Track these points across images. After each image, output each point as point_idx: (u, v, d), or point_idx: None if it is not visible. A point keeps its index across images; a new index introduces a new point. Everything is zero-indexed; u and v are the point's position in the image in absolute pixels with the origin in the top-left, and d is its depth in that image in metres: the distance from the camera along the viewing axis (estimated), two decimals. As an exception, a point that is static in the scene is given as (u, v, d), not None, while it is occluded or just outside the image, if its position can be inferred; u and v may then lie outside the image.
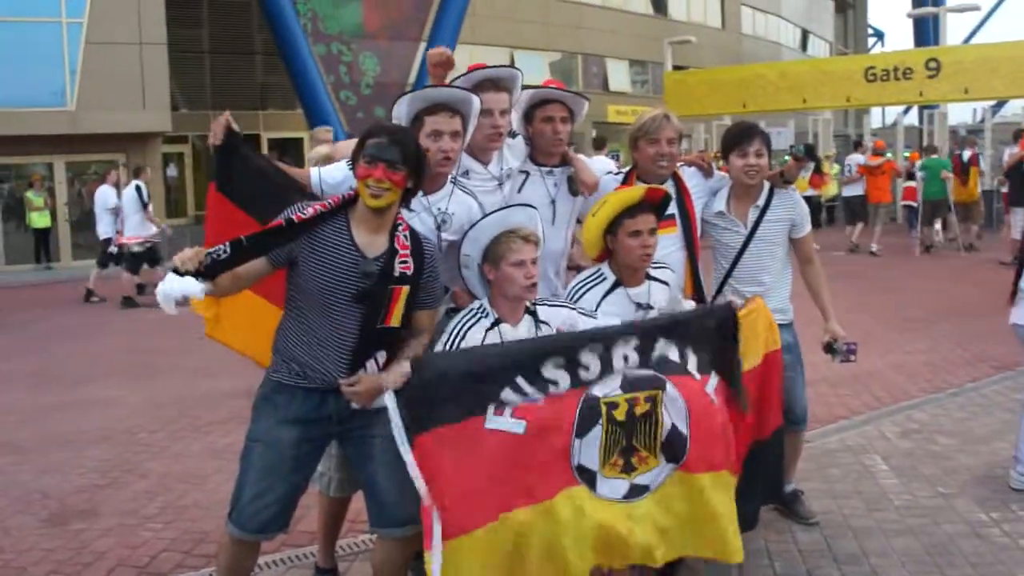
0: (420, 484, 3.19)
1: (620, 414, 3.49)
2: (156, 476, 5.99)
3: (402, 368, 3.26)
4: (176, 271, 3.13)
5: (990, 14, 57.90)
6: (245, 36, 28.59)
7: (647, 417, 3.54)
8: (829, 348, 4.72)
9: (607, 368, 3.51)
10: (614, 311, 3.98)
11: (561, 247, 4.45)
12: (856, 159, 19.23)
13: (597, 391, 3.48)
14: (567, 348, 3.49)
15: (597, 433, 3.46)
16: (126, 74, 20.56)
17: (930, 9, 35.51)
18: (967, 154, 18.70)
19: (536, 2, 35.05)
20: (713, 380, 3.79)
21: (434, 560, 3.17)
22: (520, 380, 3.36)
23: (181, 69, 24.93)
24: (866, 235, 18.63)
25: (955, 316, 11.14)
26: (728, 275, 4.70)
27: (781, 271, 4.78)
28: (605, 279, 4.08)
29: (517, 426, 3.33)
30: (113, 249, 14.67)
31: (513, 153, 4.40)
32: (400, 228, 3.49)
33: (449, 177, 4.01)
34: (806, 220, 4.80)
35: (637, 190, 4.05)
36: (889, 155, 19.91)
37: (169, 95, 21.93)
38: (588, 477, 3.48)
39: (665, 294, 4.15)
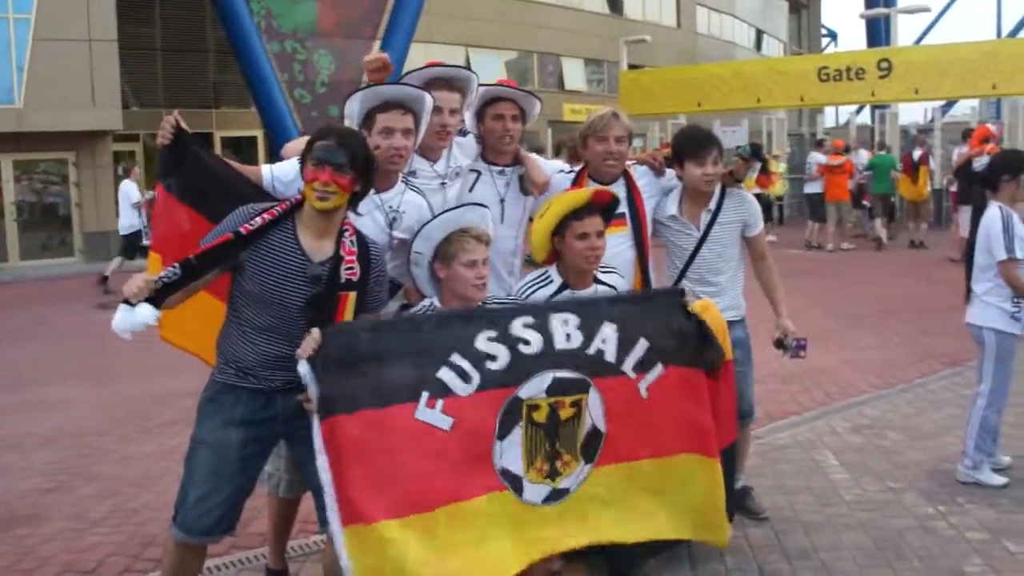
0: (322, 459, 3.14)
1: (540, 416, 3.48)
2: (105, 479, 5.90)
3: (313, 334, 3.21)
4: (127, 302, 3.10)
5: (940, 16, 58.84)
6: (198, 33, 28.27)
7: (571, 421, 3.54)
8: (780, 344, 4.76)
9: (548, 346, 3.47)
10: None
11: (512, 246, 4.46)
12: (817, 158, 19.38)
13: (523, 393, 3.45)
14: (499, 318, 3.46)
15: (517, 436, 3.45)
16: (75, 71, 20.24)
17: (882, 10, 35.98)
18: (917, 153, 18.98)
19: (492, 1, 35.01)
20: (653, 373, 3.73)
21: (336, 541, 3.16)
22: (455, 357, 3.34)
23: (132, 66, 24.59)
24: (824, 234, 18.95)
25: (905, 313, 11.30)
26: (682, 275, 4.73)
27: (735, 271, 4.82)
28: (552, 281, 4.07)
29: (444, 422, 3.31)
30: (146, 242, 14.65)
31: (463, 151, 4.39)
32: (347, 233, 3.47)
33: (401, 175, 4.01)
34: (758, 219, 4.84)
35: (583, 192, 4.05)
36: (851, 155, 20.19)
37: (120, 93, 21.65)
38: (513, 481, 3.47)
39: None
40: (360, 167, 3.35)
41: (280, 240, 3.36)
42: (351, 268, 3.43)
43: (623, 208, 4.51)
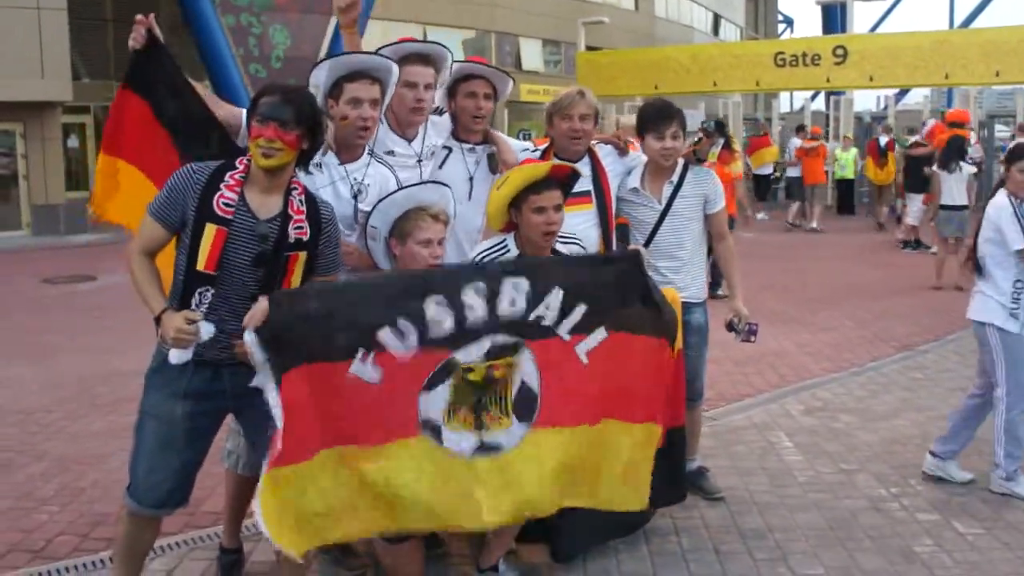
0: (278, 414, 3.10)
1: (476, 376, 3.45)
2: (53, 457, 5.78)
3: (259, 305, 3.16)
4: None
5: (895, 4, 59.35)
6: (151, 4, 27.65)
7: (502, 379, 3.51)
8: (731, 327, 4.78)
9: (491, 312, 3.43)
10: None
11: (479, 224, 4.43)
12: (795, 143, 20.26)
13: (460, 355, 3.41)
14: (452, 282, 3.41)
15: (443, 391, 3.42)
16: (23, 41, 19.70)
17: (838, -3, 36.29)
18: (884, 139, 19.30)
19: (450, -22, 34.77)
20: (594, 338, 3.66)
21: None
22: (402, 321, 3.30)
23: (83, 37, 24.05)
24: (799, 215, 19.95)
25: (857, 296, 11.42)
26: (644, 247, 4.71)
27: (696, 247, 4.81)
28: (508, 251, 4.01)
29: (374, 374, 3.27)
30: None
31: (437, 130, 4.36)
32: (295, 192, 3.40)
33: (367, 148, 3.97)
34: (719, 196, 4.84)
35: (543, 166, 3.99)
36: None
37: (70, 64, 21.14)
38: (433, 430, 3.43)
39: None
40: (307, 124, 3.28)
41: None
42: (300, 227, 3.37)
43: (588, 187, 4.49)
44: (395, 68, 3.86)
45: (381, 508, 3.38)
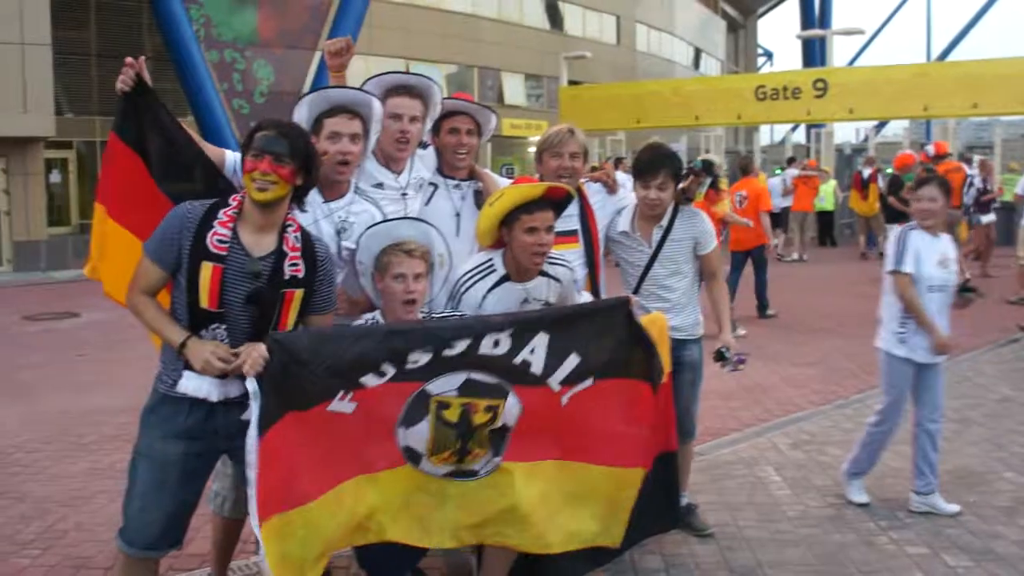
0: (252, 473, 3.08)
1: (451, 415, 3.44)
2: (34, 499, 5.70)
3: (259, 350, 3.13)
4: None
5: (873, 38, 60.14)
6: (135, 40, 27.72)
7: (486, 425, 3.50)
8: (720, 356, 4.78)
9: (472, 350, 3.41)
10: (500, 306, 3.89)
11: None
12: (792, 173, 20.62)
13: (432, 387, 3.40)
14: (439, 338, 3.39)
15: (423, 428, 3.42)
16: (6, 76, 19.67)
17: (818, 31, 36.78)
18: (867, 171, 19.49)
19: (433, 14, 35.00)
20: (581, 386, 3.66)
21: (259, 540, 3.12)
22: (386, 366, 3.31)
23: (66, 72, 24.09)
24: (789, 244, 20.14)
25: (843, 328, 11.44)
26: (635, 293, 4.71)
27: (688, 289, 4.82)
28: (495, 271, 3.97)
29: (348, 407, 3.28)
30: None
31: (425, 164, 4.36)
32: (290, 229, 3.40)
33: (352, 184, 3.97)
34: (710, 238, 4.86)
35: (538, 185, 3.96)
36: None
37: (53, 99, 21.12)
38: (413, 457, 3.46)
39: (556, 291, 4.07)
40: (301, 159, 3.29)
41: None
42: (295, 264, 3.36)
43: (575, 225, 4.51)
44: (376, 103, 3.87)
45: (363, 527, 3.45)
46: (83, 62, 26.29)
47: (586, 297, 4.34)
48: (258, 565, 3.28)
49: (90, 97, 26.85)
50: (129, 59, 3.63)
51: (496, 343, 3.45)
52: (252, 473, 3.09)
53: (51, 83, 20.76)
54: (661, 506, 4.01)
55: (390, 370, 3.31)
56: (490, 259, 4.01)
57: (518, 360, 3.50)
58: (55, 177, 26.58)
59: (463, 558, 4.45)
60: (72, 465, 6.40)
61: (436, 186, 4.37)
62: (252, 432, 3.09)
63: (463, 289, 3.95)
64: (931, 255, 5.20)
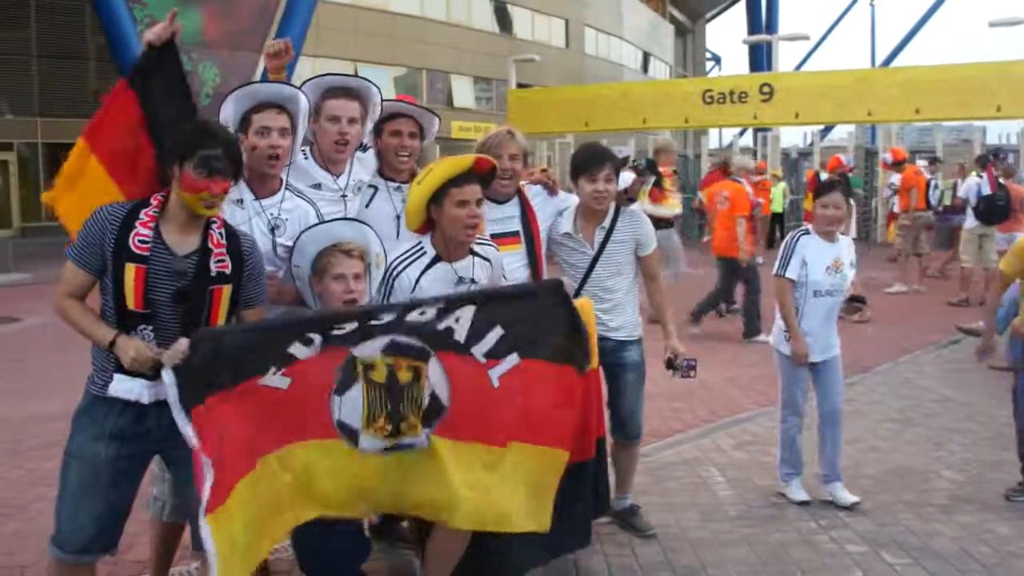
0: (204, 459, 3.07)
1: (378, 376, 3.45)
2: (-32, 506, 5.58)
3: (180, 345, 3.12)
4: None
5: (819, 43, 61.06)
6: (77, 40, 27.37)
7: (411, 386, 3.50)
8: (670, 364, 4.82)
9: (398, 320, 3.44)
10: (434, 287, 3.88)
11: None
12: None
13: (358, 351, 3.41)
14: (367, 313, 3.43)
15: (356, 394, 3.42)
16: (-56, 77, 19.34)
17: (764, 37, 37.21)
18: (825, 175, 19.73)
19: (381, 16, 34.91)
20: (507, 362, 3.66)
21: (203, 534, 3.08)
22: (310, 333, 3.32)
23: (5, 73, 23.67)
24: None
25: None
26: (576, 295, 4.71)
27: (629, 288, 4.84)
28: (425, 253, 3.96)
29: (282, 382, 3.28)
30: None
31: (364, 166, 4.34)
32: (214, 226, 3.38)
33: (284, 182, 3.96)
34: (651, 239, 4.88)
35: (466, 158, 3.94)
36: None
37: (-8, 100, 20.75)
38: (349, 433, 3.44)
39: (487, 271, 4.08)
40: (236, 167, 3.33)
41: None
42: (221, 260, 3.35)
43: (517, 227, 4.52)
44: (302, 98, 3.87)
45: (299, 500, 3.41)
46: (24, 63, 25.85)
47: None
48: (199, 570, 3.24)
49: (31, 98, 26.40)
50: (171, 17, 3.55)
51: (422, 312, 3.49)
52: (204, 460, 3.06)
53: (-10, 84, 20.39)
54: (590, 492, 4.07)
55: (316, 338, 3.32)
56: (419, 242, 4.00)
57: (441, 326, 3.52)
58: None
59: (406, 559, 4.43)
60: (9, 472, 6.27)
61: (376, 188, 4.36)
62: (180, 419, 3.08)
63: (395, 273, 3.92)
64: (822, 260, 5.33)
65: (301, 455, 3.38)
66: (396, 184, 4.38)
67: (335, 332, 3.36)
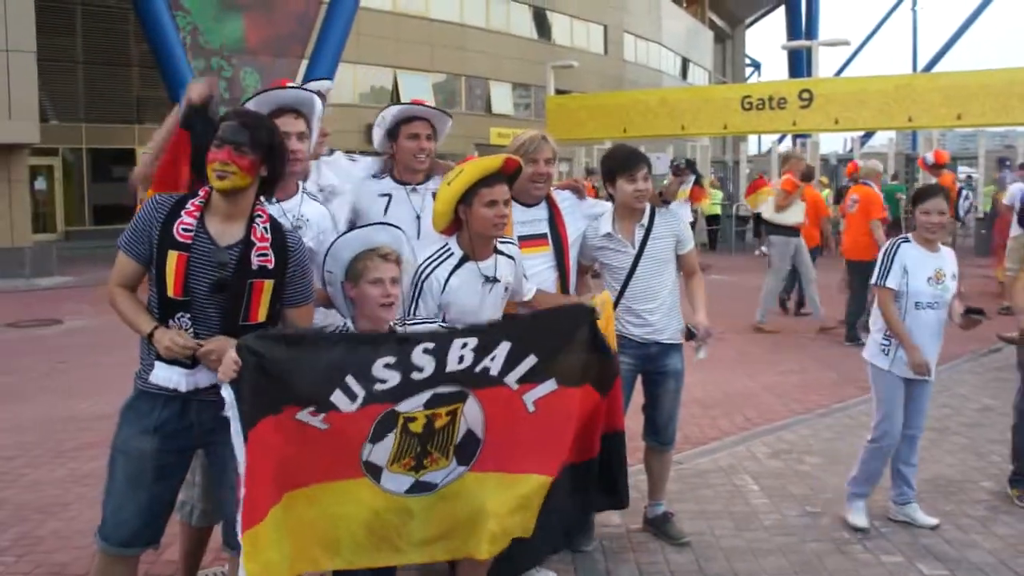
0: (244, 479, 3.12)
1: (416, 427, 3.48)
2: (11, 506, 5.67)
3: (231, 356, 3.12)
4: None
5: (859, 49, 60.49)
6: (121, 47, 27.78)
7: (446, 428, 3.55)
8: (689, 334, 4.76)
9: (440, 369, 3.45)
10: (463, 287, 3.95)
11: None
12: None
13: (401, 407, 3.44)
14: (402, 346, 3.43)
15: (389, 441, 3.46)
16: (-9, 82, 19.68)
17: (803, 42, 36.94)
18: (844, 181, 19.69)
19: (421, 23, 35.07)
20: (543, 388, 3.71)
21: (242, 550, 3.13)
22: (350, 380, 3.32)
23: (51, 79, 24.05)
24: None
25: (824, 337, 11.48)
26: (621, 295, 4.72)
27: (673, 288, 4.84)
28: (452, 254, 4.02)
29: (321, 424, 3.30)
30: None
31: (332, 169, 4.42)
32: (259, 219, 3.40)
33: (301, 185, 4.04)
34: (689, 237, 4.90)
35: (497, 158, 4.00)
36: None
37: (38, 105, 21.06)
38: (373, 471, 3.48)
39: (511, 268, 4.14)
40: (264, 150, 3.32)
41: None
42: (264, 255, 3.35)
43: (544, 229, 4.54)
44: (318, 102, 3.97)
45: (321, 544, 3.43)
46: (69, 69, 26.27)
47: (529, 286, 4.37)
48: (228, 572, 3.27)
49: (76, 104, 26.83)
50: (211, 80, 3.69)
51: (460, 359, 3.50)
52: (242, 479, 3.12)
53: (36, 90, 20.72)
54: (607, 487, 4.11)
55: (360, 394, 3.33)
56: (446, 244, 4.06)
57: (479, 368, 3.55)
58: (40, 184, 26.51)
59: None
60: (51, 472, 6.38)
61: (390, 196, 4.41)
62: (237, 441, 3.11)
63: (424, 276, 3.97)
64: (923, 270, 5.06)
65: (328, 493, 3.41)
66: (411, 186, 4.43)
67: (378, 388, 3.36)
